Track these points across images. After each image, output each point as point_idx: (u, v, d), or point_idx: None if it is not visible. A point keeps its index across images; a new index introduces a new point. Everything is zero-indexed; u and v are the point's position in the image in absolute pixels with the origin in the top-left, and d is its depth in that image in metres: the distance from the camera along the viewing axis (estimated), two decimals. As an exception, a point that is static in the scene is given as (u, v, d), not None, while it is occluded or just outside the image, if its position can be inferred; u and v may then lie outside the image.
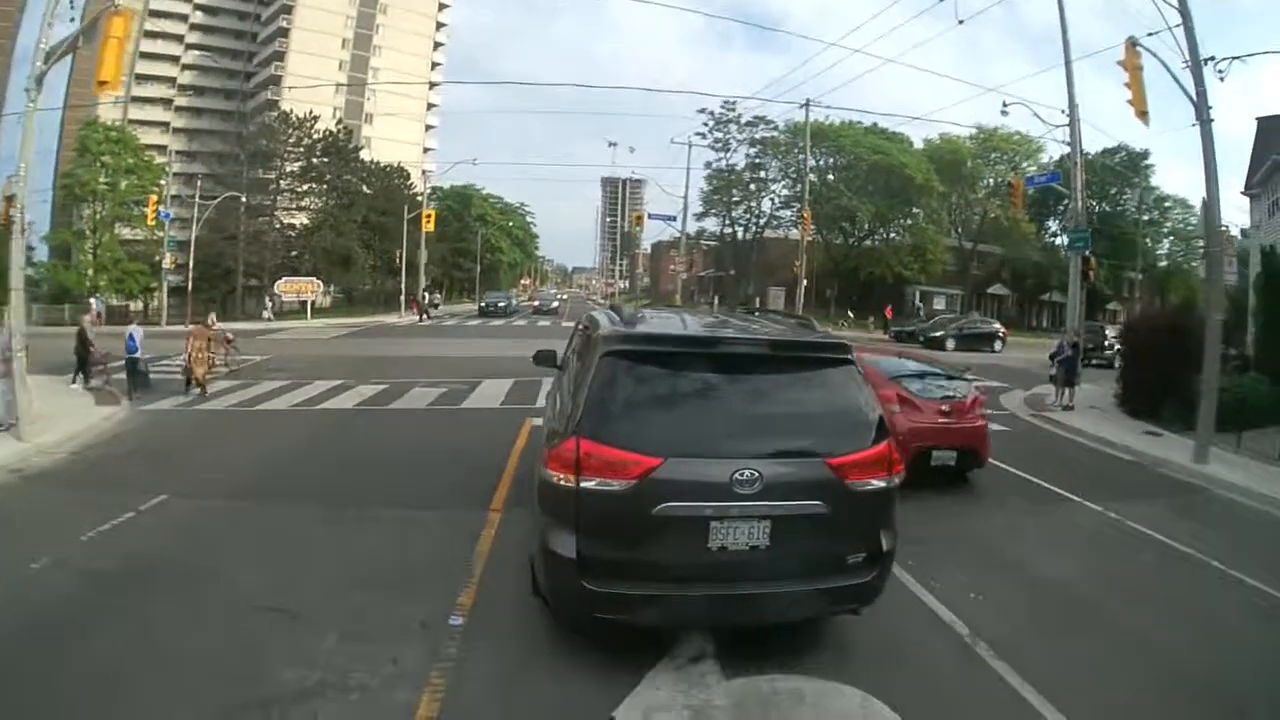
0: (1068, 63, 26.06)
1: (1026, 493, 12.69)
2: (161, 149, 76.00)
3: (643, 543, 5.86)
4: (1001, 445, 14.94)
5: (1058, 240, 74.14)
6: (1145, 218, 72.09)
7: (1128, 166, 69.64)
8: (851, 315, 57.39)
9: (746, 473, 5.77)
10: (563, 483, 5.89)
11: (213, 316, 26.81)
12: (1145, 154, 70.76)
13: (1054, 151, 63.35)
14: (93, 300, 49.42)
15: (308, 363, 28.12)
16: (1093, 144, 60.23)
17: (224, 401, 19.48)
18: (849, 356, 6.57)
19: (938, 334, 44.08)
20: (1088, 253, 26.43)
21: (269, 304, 58.33)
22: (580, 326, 8.38)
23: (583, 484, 5.81)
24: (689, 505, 5.77)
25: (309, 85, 77.62)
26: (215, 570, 8.09)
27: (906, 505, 7.22)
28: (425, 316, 61.84)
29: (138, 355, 20.47)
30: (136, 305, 59.83)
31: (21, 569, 7.97)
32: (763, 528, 5.86)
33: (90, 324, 22.39)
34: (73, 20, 15.71)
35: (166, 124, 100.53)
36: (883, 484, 6.19)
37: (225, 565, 8.24)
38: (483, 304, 72.06)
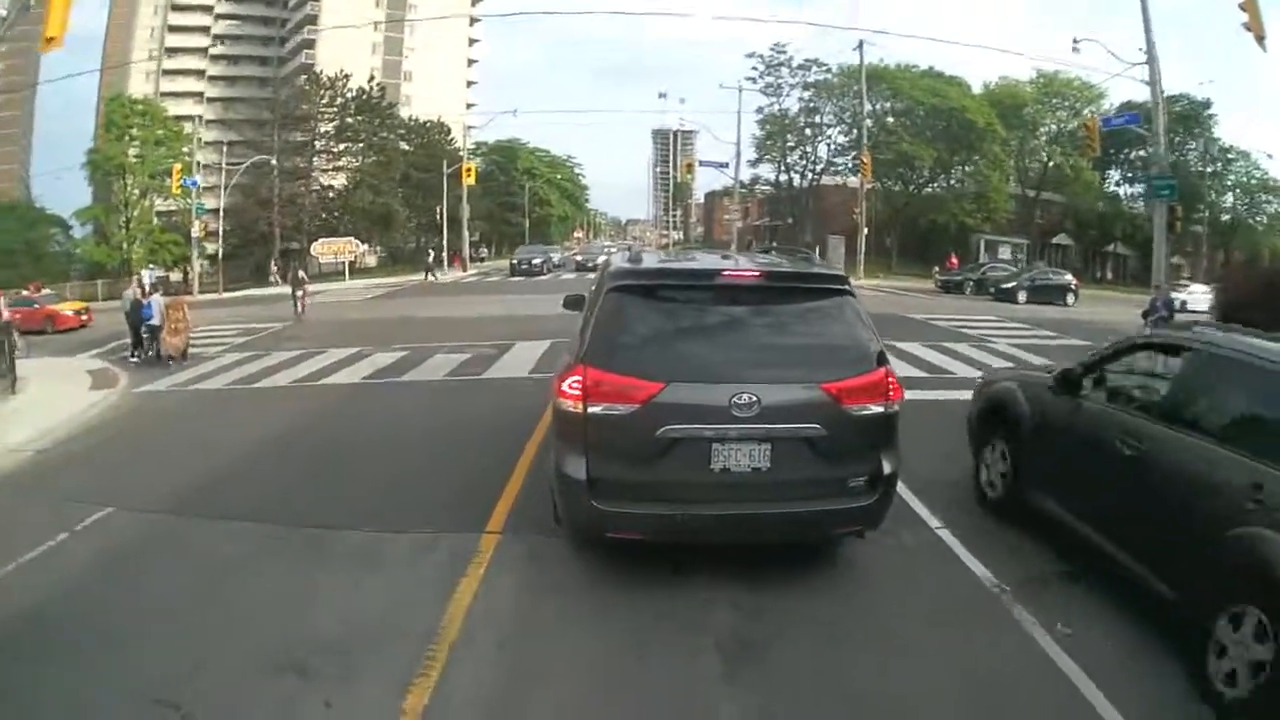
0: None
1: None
2: (198, 119, 75.44)
3: (648, 464, 6.10)
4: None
5: (1121, 190, 72.97)
6: (1209, 169, 69.03)
7: (1189, 116, 65.53)
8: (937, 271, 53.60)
9: (745, 397, 5.98)
10: (572, 409, 6.20)
11: (302, 273, 34.85)
12: (1208, 103, 66.77)
13: (1115, 98, 61.56)
14: (145, 272, 48.54)
15: (330, 329, 26.73)
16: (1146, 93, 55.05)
17: (223, 379, 17.84)
18: (845, 288, 6.81)
19: (1009, 285, 41.34)
20: (1172, 203, 23.98)
21: (274, 269, 56.89)
22: (600, 268, 8.56)
23: (590, 409, 6.12)
24: (690, 428, 6.04)
25: (342, 27, 75.32)
26: (117, 633, 6.07)
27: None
28: (432, 276, 55.99)
29: (154, 323, 20.92)
30: (175, 276, 59.09)
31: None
32: (763, 450, 6.09)
33: (134, 296, 22.60)
34: None
35: (201, 94, 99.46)
36: (881, 409, 6.35)
37: (135, 622, 6.23)
38: (514, 261, 60.99)
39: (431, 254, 60.73)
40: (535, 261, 58.43)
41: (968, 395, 12.33)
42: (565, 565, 7.07)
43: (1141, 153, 65.06)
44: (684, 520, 6.23)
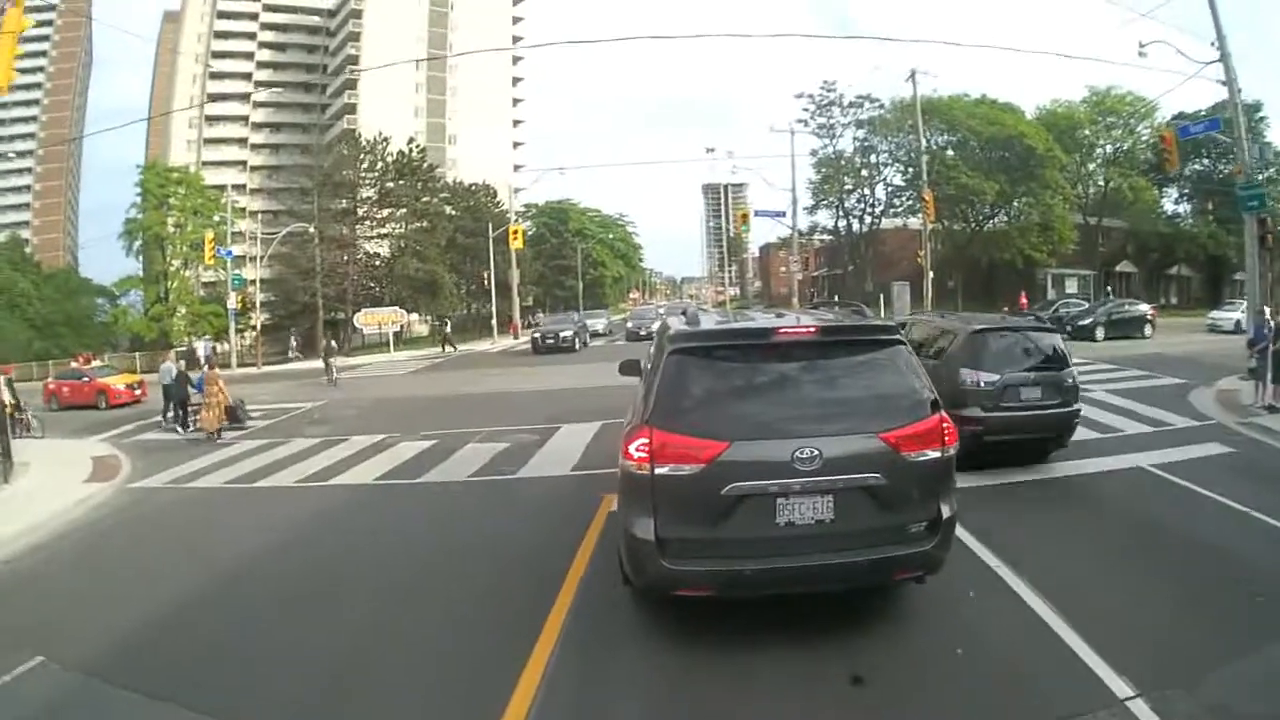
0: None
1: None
2: (240, 188, 75.44)
3: (715, 522, 6.24)
4: (1232, 478, 10.70)
5: (1180, 208, 71.22)
6: (1262, 175, 65.15)
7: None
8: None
9: (807, 451, 6.13)
10: (639, 470, 6.35)
11: (333, 343, 38.66)
12: (1258, 106, 62.06)
13: (1167, 110, 58.54)
14: (200, 343, 48.52)
15: (357, 410, 24.79)
16: (1202, 99, 51.98)
17: (226, 474, 16.08)
18: (897, 337, 7.08)
19: (1085, 322, 38.70)
20: (1263, 214, 21.77)
21: (294, 343, 56.46)
22: (659, 332, 8.59)
23: (657, 470, 6.26)
24: (755, 484, 6.17)
25: (385, 68, 74.33)
26: None
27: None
28: (450, 347, 51.64)
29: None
30: (223, 347, 58.75)
31: None
32: (826, 502, 6.21)
33: (174, 368, 23.07)
34: None
35: (244, 162, 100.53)
36: (937, 454, 6.50)
37: None
38: (536, 336, 46.73)
39: (448, 325, 57.46)
40: (565, 334, 45.14)
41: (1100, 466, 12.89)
42: None
43: (1198, 166, 63.21)
44: (751, 575, 6.32)
